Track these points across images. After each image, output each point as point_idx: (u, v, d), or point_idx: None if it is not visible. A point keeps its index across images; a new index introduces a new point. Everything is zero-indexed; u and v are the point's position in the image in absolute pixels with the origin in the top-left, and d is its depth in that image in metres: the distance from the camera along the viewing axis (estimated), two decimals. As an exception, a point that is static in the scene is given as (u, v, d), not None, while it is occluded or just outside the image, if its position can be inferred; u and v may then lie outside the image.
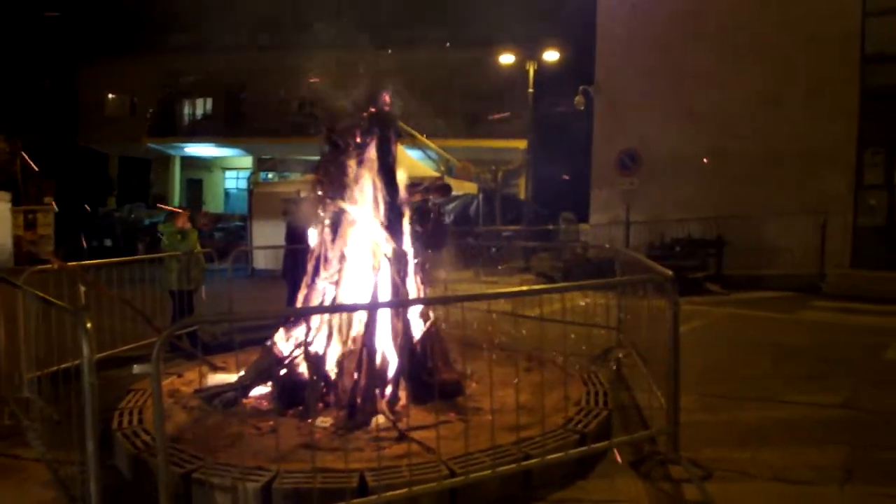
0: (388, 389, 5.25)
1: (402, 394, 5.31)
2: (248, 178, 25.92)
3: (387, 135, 5.48)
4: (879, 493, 4.15)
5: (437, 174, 17.80)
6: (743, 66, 14.88)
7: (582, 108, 18.38)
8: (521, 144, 25.12)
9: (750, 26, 15.00)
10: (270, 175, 30.35)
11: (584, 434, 4.61)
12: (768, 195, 14.55)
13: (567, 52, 21.56)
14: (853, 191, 14.42)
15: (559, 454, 4.22)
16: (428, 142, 20.35)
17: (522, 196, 25.80)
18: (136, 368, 6.94)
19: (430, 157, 22.17)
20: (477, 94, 26.80)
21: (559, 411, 4.93)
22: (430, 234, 6.18)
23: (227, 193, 34.51)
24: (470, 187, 21.00)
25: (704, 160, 15.07)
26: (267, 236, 15.64)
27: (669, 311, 4.58)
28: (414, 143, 19.33)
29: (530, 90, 21.33)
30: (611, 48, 17.19)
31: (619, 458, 4.56)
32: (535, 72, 21.20)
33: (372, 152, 5.48)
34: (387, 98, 5.50)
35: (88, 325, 3.31)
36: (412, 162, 17.58)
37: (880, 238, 13.98)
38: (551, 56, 21.57)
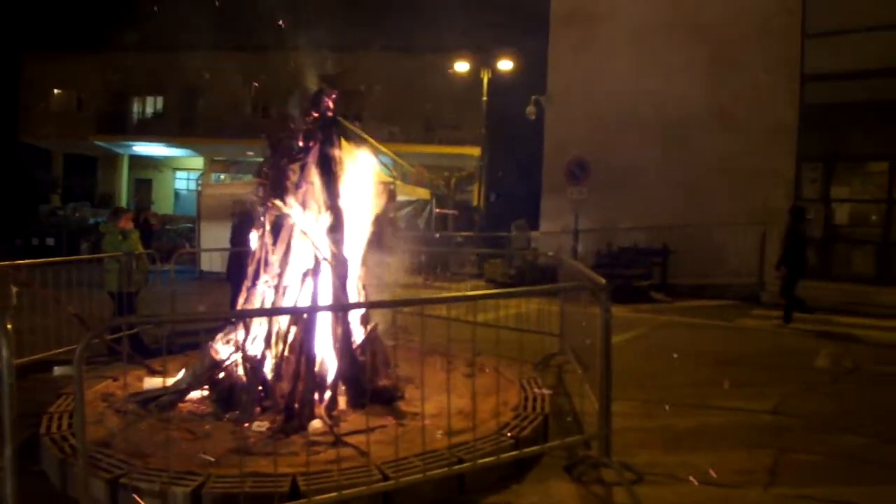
0: (327, 394, 5.23)
1: (341, 398, 5.30)
2: (198, 179, 25.47)
3: (330, 138, 5.46)
4: (799, 494, 4.30)
5: (389, 179, 17.80)
6: (690, 79, 15.24)
7: (533, 117, 18.60)
8: (475, 151, 25.29)
9: (697, 42, 15.37)
10: (223, 176, 29.92)
11: (519, 439, 4.66)
12: (712, 206, 14.90)
13: (521, 62, 21.84)
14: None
15: (491, 458, 4.27)
16: (381, 146, 20.32)
17: (476, 202, 25.96)
18: (58, 370, 6.72)
19: (383, 163, 22.15)
20: (432, 100, 26.87)
21: (496, 416, 4.97)
22: (378, 238, 6.18)
23: (177, 194, 33.84)
24: (423, 193, 21.04)
25: None
26: (215, 238, 15.37)
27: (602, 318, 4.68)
28: (367, 148, 19.27)
29: (484, 98, 21.52)
30: (562, 59, 17.45)
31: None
32: (490, 80, 21.41)
33: (314, 156, 5.46)
34: (329, 102, 5.48)
35: (9, 325, 3.23)
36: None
37: (817, 250, 14.43)
38: (505, 65, 21.82)
